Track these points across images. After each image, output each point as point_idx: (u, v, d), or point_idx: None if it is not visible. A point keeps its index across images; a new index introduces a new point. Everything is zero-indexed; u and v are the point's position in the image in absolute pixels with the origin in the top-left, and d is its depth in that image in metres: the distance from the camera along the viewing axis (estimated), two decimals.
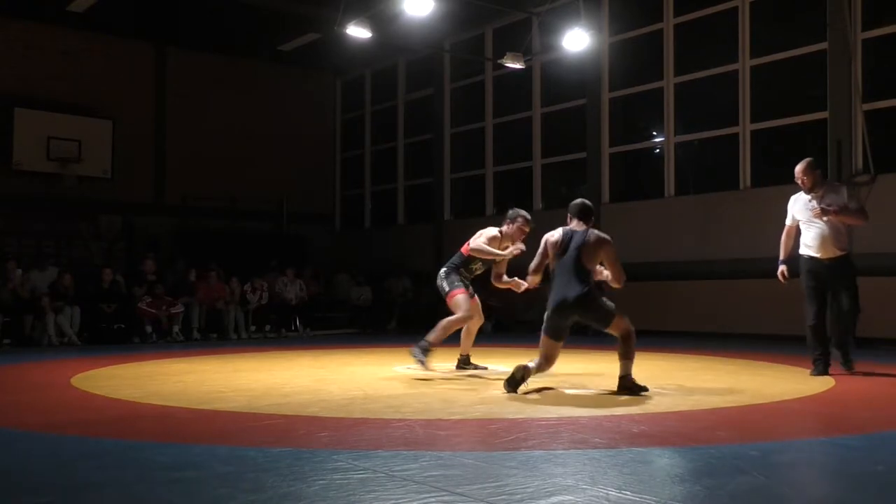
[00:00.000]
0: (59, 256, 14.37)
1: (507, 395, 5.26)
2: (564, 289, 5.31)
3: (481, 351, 8.88)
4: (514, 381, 5.30)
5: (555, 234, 5.53)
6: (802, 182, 6.45)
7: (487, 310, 12.65)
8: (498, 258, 6.53)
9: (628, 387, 5.31)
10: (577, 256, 5.36)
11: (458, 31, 15.41)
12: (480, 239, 6.59)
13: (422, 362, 6.32)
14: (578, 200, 5.72)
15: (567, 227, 5.57)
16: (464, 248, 6.72)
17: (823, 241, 6.34)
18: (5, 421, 4.48)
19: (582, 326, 5.77)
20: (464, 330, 6.69)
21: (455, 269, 6.64)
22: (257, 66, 17.14)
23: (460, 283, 6.54)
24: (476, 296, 6.69)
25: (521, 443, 3.70)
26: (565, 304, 5.29)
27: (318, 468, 3.15)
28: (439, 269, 6.82)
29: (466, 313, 6.41)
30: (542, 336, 5.42)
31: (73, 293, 11.38)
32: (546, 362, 5.44)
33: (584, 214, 5.60)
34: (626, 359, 5.39)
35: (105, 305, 11.40)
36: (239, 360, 8.26)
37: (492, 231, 6.67)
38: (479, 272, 6.77)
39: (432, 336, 6.36)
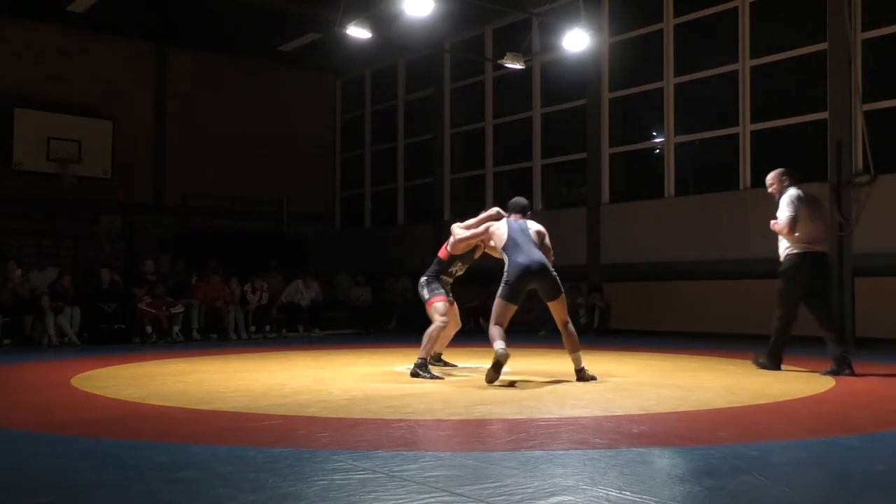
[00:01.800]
0: (59, 256, 14.38)
1: (506, 395, 5.27)
2: (531, 257, 6.08)
3: (482, 351, 8.88)
4: (498, 367, 5.80)
5: (503, 226, 6.35)
6: (770, 190, 7.01)
7: (488, 310, 12.70)
8: (479, 237, 6.70)
9: (585, 378, 6.05)
10: (531, 237, 6.26)
11: (458, 31, 15.41)
12: (458, 235, 6.74)
13: (429, 377, 6.32)
14: (518, 199, 6.61)
15: (510, 220, 6.43)
16: (441, 253, 6.92)
17: None
18: (5, 421, 4.48)
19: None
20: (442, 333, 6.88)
21: (436, 277, 6.83)
22: (257, 66, 17.14)
23: (440, 291, 6.72)
24: (455, 303, 6.97)
25: (522, 443, 3.70)
26: (532, 269, 6.03)
27: (319, 468, 3.15)
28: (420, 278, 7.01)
29: (442, 319, 6.58)
30: (501, 301, 6.06)
31: (73, 293, 11.38)
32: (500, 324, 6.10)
33: (523, 210, 6.53)
34: (576, 352, 6.13)
35: (105, 306, 11.40)
36: (239, 361, 8.26)
37: (461, 225, 6.88)
38: (459, 273, 6.98)
39: (422, 351, 6.48)
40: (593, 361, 7.58)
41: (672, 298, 12.04)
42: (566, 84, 13.92)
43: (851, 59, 10.39)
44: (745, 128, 11.60)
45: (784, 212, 6.61)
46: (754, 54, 11.56)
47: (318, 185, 18.41)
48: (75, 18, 14.43)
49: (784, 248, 6.75)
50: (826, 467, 3.30)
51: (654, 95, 12.77)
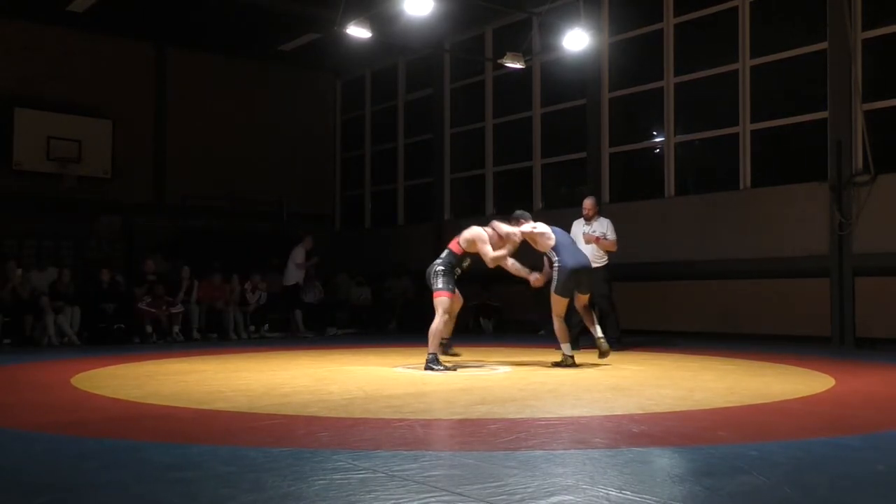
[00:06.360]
0: (59, 256, 14.36)
1: (506, 395, 5.28)
2: (579, 259, 7.19)
3: (482, 351, 8.89)
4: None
5: (548, 230, 7.28)
6: (587, 212, 8.99)
7: (488, 310, 12.70)
8: (498, 260, 7.18)
9: (602, 348, 7.16)
10: (571, 239, 7.44)
11: (458, 31, 15.40)
12: (486, 247, 7.17)
13: (442, 369, 6.76)
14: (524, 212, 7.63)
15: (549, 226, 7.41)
16: (454, 247, 7.28)
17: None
18: (5, 421, 4.48)
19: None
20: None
21: (451, 269, 7.22)
22: (257, 66, 17.13)
23: (450, 287, 7.14)
24: (457, 289, 7.39)
25: (522, 442, 3.70)
26: (586, 267, 7.23)
27: (319, 468, 3.15)
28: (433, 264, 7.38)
29: (444, 316, 7.07)
30: (558, 298, 7.09)
31: (73, 293, 11.37)
32: (565, 314, 7.24)
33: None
34: (594, 325, 7.29)
35: (106, 306, 11.40)
36: (239, 361, 8.27)
37: (483, 234, 7.27)
38: (467, 269, 7.49)
39: (431, 347, 6.97)
40: (594, 361, 7.58)
41: (672, 298, 12.04)
42: (566, 84, 13.91)
43: (851, 59, 10.39)
44: (745, 128, 11.59)
45: (613, 234, 8.86)
46: (754, 54, 11.55)
47: (318, 185, 18.40)
48: (75, 18, 14.42)
49: (600, 256, 8.77)
50: (826, 467, 3.30)
51: (654, 95, 12.76)
